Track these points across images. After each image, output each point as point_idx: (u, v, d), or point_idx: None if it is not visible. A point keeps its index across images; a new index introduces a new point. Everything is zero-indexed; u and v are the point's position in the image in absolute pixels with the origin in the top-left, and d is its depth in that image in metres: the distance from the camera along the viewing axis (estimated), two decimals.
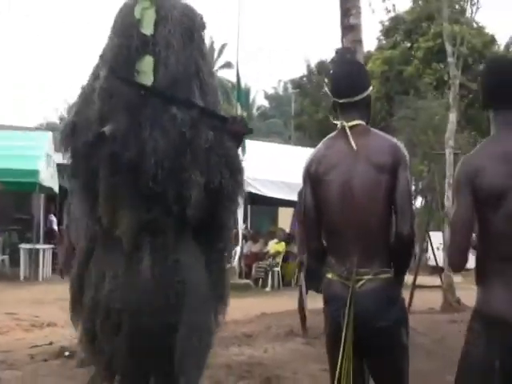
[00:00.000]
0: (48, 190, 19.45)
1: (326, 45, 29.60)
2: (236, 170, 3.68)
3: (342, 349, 3.21)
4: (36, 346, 8.09)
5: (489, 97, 3.12)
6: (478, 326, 2.99)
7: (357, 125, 3.41)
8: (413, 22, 34.70)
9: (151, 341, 3.55)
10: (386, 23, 36.25)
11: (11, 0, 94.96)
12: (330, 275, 3.40)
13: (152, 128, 3.46)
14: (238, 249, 16.50)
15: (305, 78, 41.84)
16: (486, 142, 3.11)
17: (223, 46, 53.75)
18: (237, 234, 15.04)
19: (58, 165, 18.80)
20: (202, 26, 3.85)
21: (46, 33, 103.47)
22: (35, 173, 17.38)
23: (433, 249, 14.28)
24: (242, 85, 18.07)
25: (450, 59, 14.98)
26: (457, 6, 21.90)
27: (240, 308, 9.12)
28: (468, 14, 20.24)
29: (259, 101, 62.20)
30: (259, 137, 30.11)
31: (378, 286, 3.24)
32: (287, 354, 7.65)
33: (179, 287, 3.54)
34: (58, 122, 56.03)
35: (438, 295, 12.64)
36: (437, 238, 15.55)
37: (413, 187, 36.87)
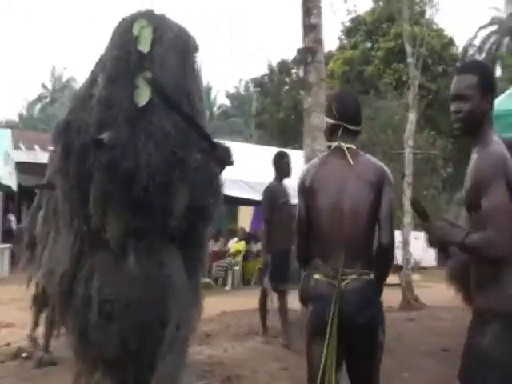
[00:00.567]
0: (6, 189, 19.16)
1: (288, 44, 29.75)
2: (217, 191, 4.04)
3: (326, 342, 3.53)
4: None
5: None
6: (496, 328, 2.96)
7: (351, 147, 3.82)
8: (373, 22, 35.00)
9: (141, 331, 3.80)
10: (347, 23, 36.50)
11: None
12: (317, 276, 3.73)
13: (147, 141, 3.70)
14: None
15: (266, 78, 41.87)
16: None
17: None
18: None
19: (17, 163, 18.56)
20: (196, 49, 4.12)
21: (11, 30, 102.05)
22: None
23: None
24: (204, 84, 18.01)
25: (409, 60, 15.14)
26: (417, 8, 22.18)
27: None
28: (428, 15, 20.52)
29: (220, 100, 62.17)
30: (220, 136, 30.07)
31: (360, 286, 3.62)
32: (247, 353, 7.64)
33: (165, 284, 3.83)
34: (16, 119, 55.42)
35: (397, 293, 12.75)
36: (396, 237, 15.65)
37: None
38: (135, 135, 3.69)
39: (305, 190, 3.86)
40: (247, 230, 19.76)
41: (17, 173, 19.02)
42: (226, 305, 11.35)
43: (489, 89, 3.17)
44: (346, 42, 37.32)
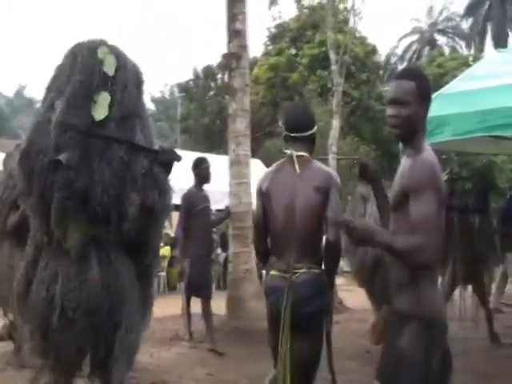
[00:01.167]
0: None
1: (213, 50, 29.80)
2: (164, 191, 4.37)
3: (281, 328, 3.93)
4: None
5: None
6: (413, 329, 3.08)
7: (302, 155, 4.24)
8: (298, 29, 35.31)
9: (100, 336, 4.22)
10: (273, 30, 36.75)
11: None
12: (272, 271, 4.22)
13: (100, 160, 4.08)
14: None
15: (191, 82, 41.82)
16: None
17: None
18: None
19: None
20: (144, 81, 4.59)
21: None
22: None
23: None
24: None
25: (333, 67, 15.36)
26: (341, 16, 22.50)
27: None
28: (351, 23, 20.84)
29: (146, 104, 61.78)
30: None
31: (309, 278, 4.05)
32: (173, 359, 7.63)
33: (120, 292, 4.25)
34: None
35: None
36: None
37: None
38: (88, 155, 4.10)
39: (261, 194, 4.31)
40: (172, 235, 19.65)
41: None
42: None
43: (426, 96, 3.23)
44: (271, 47, 37.57)
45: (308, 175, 4.17)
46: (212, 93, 40.80)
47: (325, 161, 15.75)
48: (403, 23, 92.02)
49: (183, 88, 42.66)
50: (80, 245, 4.14)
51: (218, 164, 13.27)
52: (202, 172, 8.62)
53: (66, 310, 4.09)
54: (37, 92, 73.26)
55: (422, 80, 3.26)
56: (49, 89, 4.30)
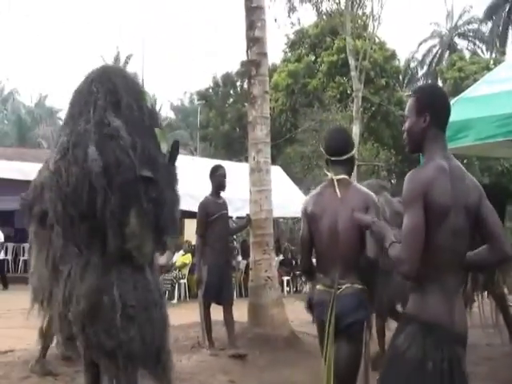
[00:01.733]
0: None
1: (232, 57, 29.83)
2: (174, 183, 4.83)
3: (326, 337, 4.30)
4: None
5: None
6: (412, 330, 3.22)
7: (342, 178, 4.62)
8: (317, 36, 35.27)
9: (155, 331, 4.65)
10: (291, 36, 36.75)
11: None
12: (319, 286, 4.60)
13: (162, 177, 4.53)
14: None
15: (211, 90, 41.92)
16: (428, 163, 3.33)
17: (128, 57, 53.30)
18: None
19: None
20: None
21: None
22: None
23: None
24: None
25: (352, 73, 15.38)
26: (359, 22, 22.49)
27: None
28: (370, 29, 20.82)
29: (165, 112, 61.91)
30: None
31: (352, 292, 4.43)
32: (194, 367, 7.61)
33: (159, 288, 4.84)
34: None
35: None
36: None
37: None
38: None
39: (307, 215, 4.68)
40: (193, 242, 19.66)
41: None
42: (172, 318, 11.18)
43: (425, 108, 3.32)
44: (289, 54, 37.57)
45: (348, 197, 4.53)
46: (231, 100, 40.88)
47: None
48: (422, 27, 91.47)
49: (203, 96, 42.77)
50: (151, 253, 4.65)
51: (239, 171, 13.27)
52: (216, 179, 8.67)
53: (127, 309, 4.41)
54: (58, 102, 73.88)
55: (421, 92, 3.47)
56: (86, 101, 4.51)
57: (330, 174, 4.69)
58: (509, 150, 8.57)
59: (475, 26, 46.94)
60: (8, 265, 20.79)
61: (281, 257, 20.10)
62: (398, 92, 35.38)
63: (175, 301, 16.60)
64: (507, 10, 43.85)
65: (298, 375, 7.34)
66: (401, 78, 40.06)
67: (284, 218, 26.67)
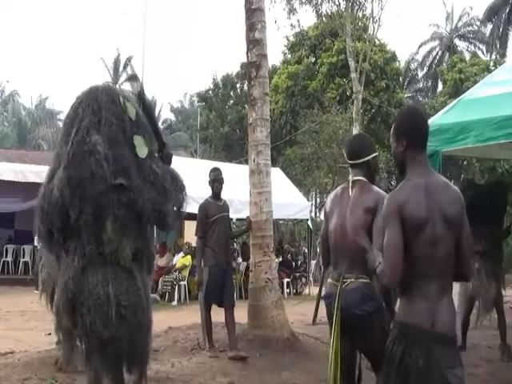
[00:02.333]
0: None
1: (232, 59, 29.82)
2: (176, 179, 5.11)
3: (333, 328, 4.60)
4: None
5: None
6: (396, 331, 3.59)
7: (358, 180, 4.88)
8: (317, 37, 35.24)
9: (141, 333, 4.85)
10: (291, 38, 36.72)
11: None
12: (329, 280, 4.91)
13: (144, 181, 4.75)
14: None
15: (211, 92, 41.91)
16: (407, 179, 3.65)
17: (129, 59, 53.37)
18: None
19: None
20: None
21: None
22: None
23: None
24: (148, 98, 17.93)
25: (352, 75, 15.38)
26: (359, 23, 22.49)
27: None
28: (370, 31, 20.82)
29: (165, 114, 61.92)
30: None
31: (357, 286, 4.62)
32: (194, 368, 7.60)
33: (148, 295, 4.98)
34: None
35: None
36: None
37: (317, 200, 37.46)
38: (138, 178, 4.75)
39: (325, 214, 5.03)
40: (193, 244, 19.65)
41: None
42: (172, 320, 11.26)
43: (401, 134, 3.67)
44: (289, 56, 37.56)
45: (361, 197, 4.77)
46: (231, 102, 40.89)
47: (346, 168, 15.74)
48: (422, 29, 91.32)
49: (203, 97, 42.79)
50: (130, 256, 4.72)
51: (239, 173, 13.25)
52: (210, 184, 8.72)
53: (120, 308, 4.61)
54: (58, 104, 73.89)
55: (398, 120, 3.81)
56: (71, 123, 4.79)
57: (350, 176, 5.00)
58: (509, 151, 8.56)
59: (475, 27, 46.96)
60: (8, 266, 20.82)
61: (280, 258, 20.09)
62: (398, 94, 35.40)
63: (175, 302, 16.59)
64: (507, 11, 43.81)
65: (298, 377, 7.35)
66: (401, 79, 40.11)
67: (284, 220, 26.66)
